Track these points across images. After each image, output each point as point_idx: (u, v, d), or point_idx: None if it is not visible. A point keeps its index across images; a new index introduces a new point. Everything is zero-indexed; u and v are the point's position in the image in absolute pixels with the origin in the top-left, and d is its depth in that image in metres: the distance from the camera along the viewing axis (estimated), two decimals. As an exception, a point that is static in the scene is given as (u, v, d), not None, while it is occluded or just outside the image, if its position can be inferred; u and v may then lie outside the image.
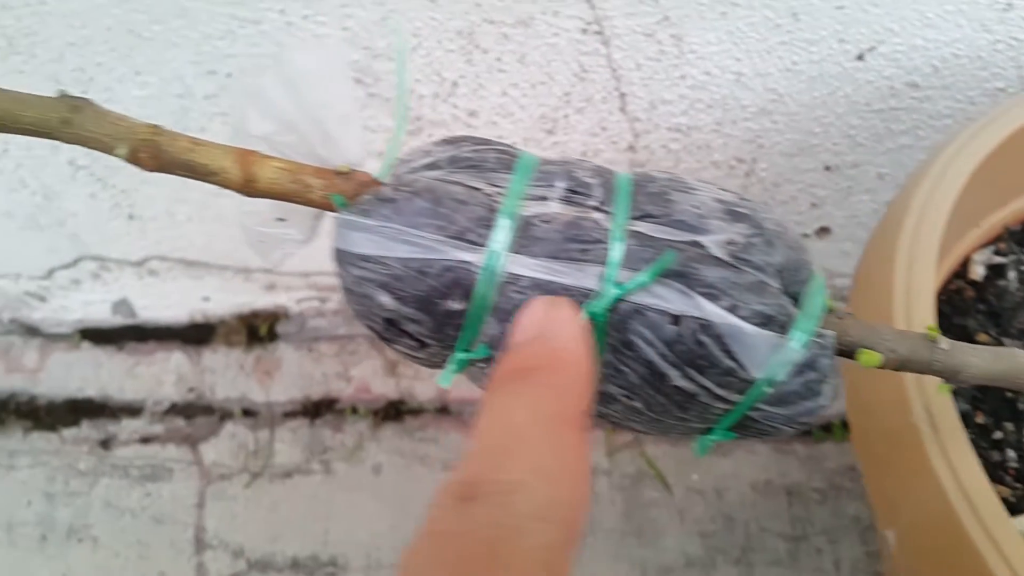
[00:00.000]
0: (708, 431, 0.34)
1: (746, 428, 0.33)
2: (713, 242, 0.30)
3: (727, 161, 0.73)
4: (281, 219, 0.34)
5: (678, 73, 0.66)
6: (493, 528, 0.20)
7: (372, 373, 0.95)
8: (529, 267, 0.30)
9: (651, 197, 0.31)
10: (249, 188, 0.31)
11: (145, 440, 0.91)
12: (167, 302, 0.93)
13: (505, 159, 0.32)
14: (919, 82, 0.67)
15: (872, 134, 0.71)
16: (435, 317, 0.31)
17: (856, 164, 0.74)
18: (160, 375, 0.95)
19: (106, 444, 0.91)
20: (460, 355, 0.32)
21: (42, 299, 0.95)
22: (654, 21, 0.63)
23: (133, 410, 0.93)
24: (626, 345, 0.30)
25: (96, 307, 0.94)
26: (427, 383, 0.93)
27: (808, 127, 0.70)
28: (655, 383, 0.30)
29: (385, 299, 0.31)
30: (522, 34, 0.65)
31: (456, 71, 0.68)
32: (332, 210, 0.32)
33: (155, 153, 0.30)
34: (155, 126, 0.31)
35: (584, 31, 0.64)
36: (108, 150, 0.30)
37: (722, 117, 0.69)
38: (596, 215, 0.31)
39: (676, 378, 0.30)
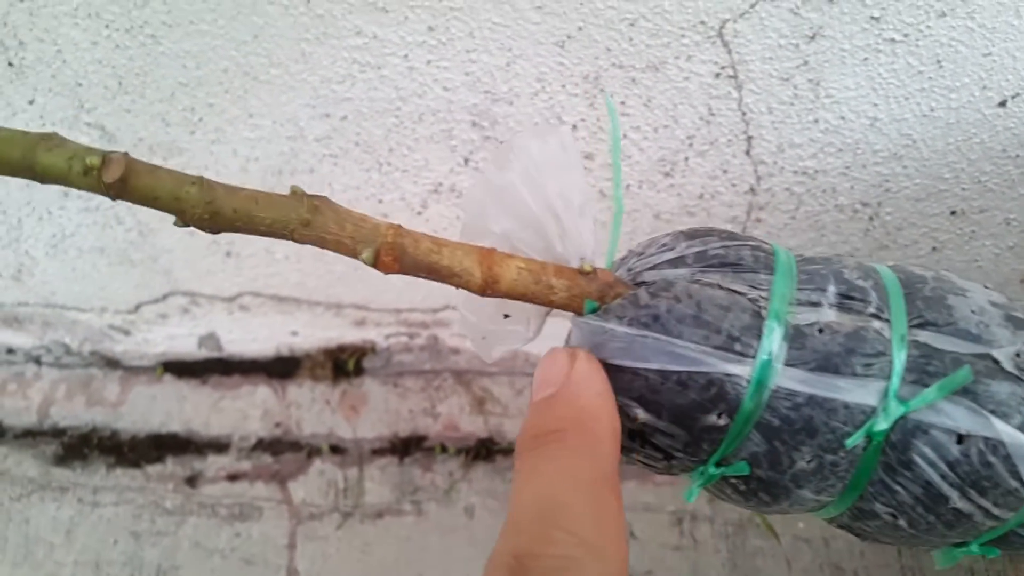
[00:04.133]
0: (962, 544, 0.31)
1: (1008, 543, 0.31)
2: (1005, 355, 0.28)
3: (851, 205, 0.71)
4: (507, 315, 0.32)
5: (811, 117, 0.64)
6: None
7: (459, 410, 0.93)
8: (804, 382, 0.28)
9: (928, 302, 0.29)
10: (490, 288, 0.29)
11: (232, 477, 0.90)
12: (254, 336, 0.92)
13: (761, 257, 0.30)
14: (1059, 127, 0.65)
15: (1004, 180, 0.69)
16: (691, 431, 0.29)
17: (983, 209, 0.71)
18: (246, 409, 0.94)
19: (192, 481, 0.90)
20: (712, 470, 0.30)
21: (126, 333, 0.94)
22: (793, 66, 0.61)
23: (219, 446, 0.92)
24: (904, 464, 0.28)
25: (181, 340, 0.93)
26: (516, 421, 0.92)
27: (938, 172, 0.68)
28: (930, 504, 0.28)
29: (638, 412, 0.29)
30: (651, 78, 0.63)
31: (576, 115, 0.66)
32: (574, 312, 0.30)
33: (399, 256, 0.28)
34: (397, 226, 0.29)
35: (717, 75, 0.62)
36: (351, 253, 0.28)
37: (852, 161, 0.67)
38: (876, 324, 0.28)
39: (956, 500, 0.28)
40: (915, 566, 0.79)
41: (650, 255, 0.31)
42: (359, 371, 0.94)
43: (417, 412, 0.93)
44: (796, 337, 0.28)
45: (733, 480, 0.30)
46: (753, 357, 0.28)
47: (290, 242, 0.29)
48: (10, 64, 0.69)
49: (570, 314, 0.31)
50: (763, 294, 0.29)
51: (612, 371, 0.28)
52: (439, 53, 0.64)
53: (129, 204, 0.79)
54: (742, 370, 0.28)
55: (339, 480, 0.89)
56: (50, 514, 0.90)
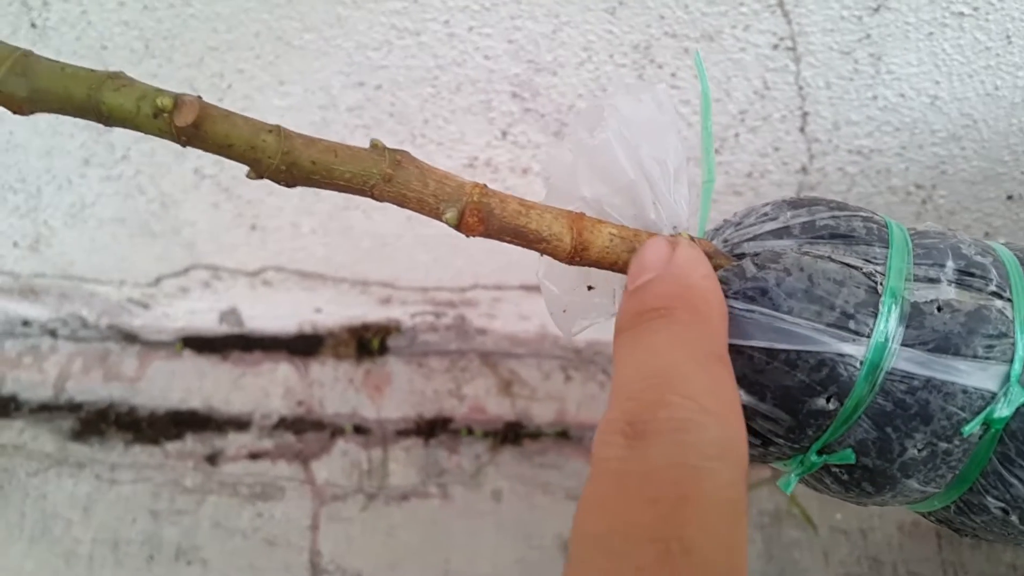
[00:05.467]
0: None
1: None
2: None
3: (905, 187, 0.68)
4: (591, 287, 0.29)
5: (870, 94, 0.61)
6: (674, 468, 0.20)
7: (485, 392, 0.91)
8: (921, 364, 0.25)
9: (1056, 281, 0.27)
10: (579, 256, 0.27)
11: (254, 456, 0.88)
12: (277, 312, 0.90)
13: (874, 228, 0.27)
14: None
15: (1066, 163, 0.66)
16: (796, 416, 0.26)
17: (1041, 193, 0.68)
18: (267, 387, 0.92)
19: (213, 459, 0.88)
20: (814, 458, 0.27)
21: (145, 306, 0.92)
22: (855, 39, 0.58)
23: (240, 423, 0.90)
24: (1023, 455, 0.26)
25: (202, 316, 0.91)
26: (544, 404, 0.90)
27: (998, 155, 0.65)
28: (1053, 500, 0.26)
29: (739, 394, 0.26)
30: (705, 48, 0.60)
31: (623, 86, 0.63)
32: (670, 284, 0.27)
33: (484, 217, 0.26)
34: (482, 186, 0.26)
35: (775, 47, 0.59)
36: (433, 213, 0.26)
37: (908, 141, 0.64)
38: (998, 303, 0.26)
39: (1082, 493, 0.26)
40: (956, 560, 0.77)
41: (749, 225, 0.29)
42: (383, 350, 0.92)
43: (442, 393, 0.91)
44: (914, 315, 0.26)
45: (835, 469, 0.28)
46: (868, 336, 0.25)
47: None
48: (33, 25, 0.67)
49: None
50: (879, 268, 0.26)
51: (712, 349, 0.26)
52: (482, 19, 0.61)
53: (151, 174, 0.76)
54: (856, 350, 0.25)
55: (363, 461, 0.87)
56: (67, 490, 0.88)
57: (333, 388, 0.91)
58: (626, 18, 0.59)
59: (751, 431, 0.27)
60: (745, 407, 0.26)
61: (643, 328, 0.24)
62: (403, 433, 0.89)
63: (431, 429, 0.88)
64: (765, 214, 0.29)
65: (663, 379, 0.22)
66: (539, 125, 0.68)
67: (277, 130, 0.26)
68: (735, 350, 0.26)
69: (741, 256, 0.28)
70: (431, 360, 0.93)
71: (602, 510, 0.20)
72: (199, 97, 0.26)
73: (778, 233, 0.28)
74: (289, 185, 0.27)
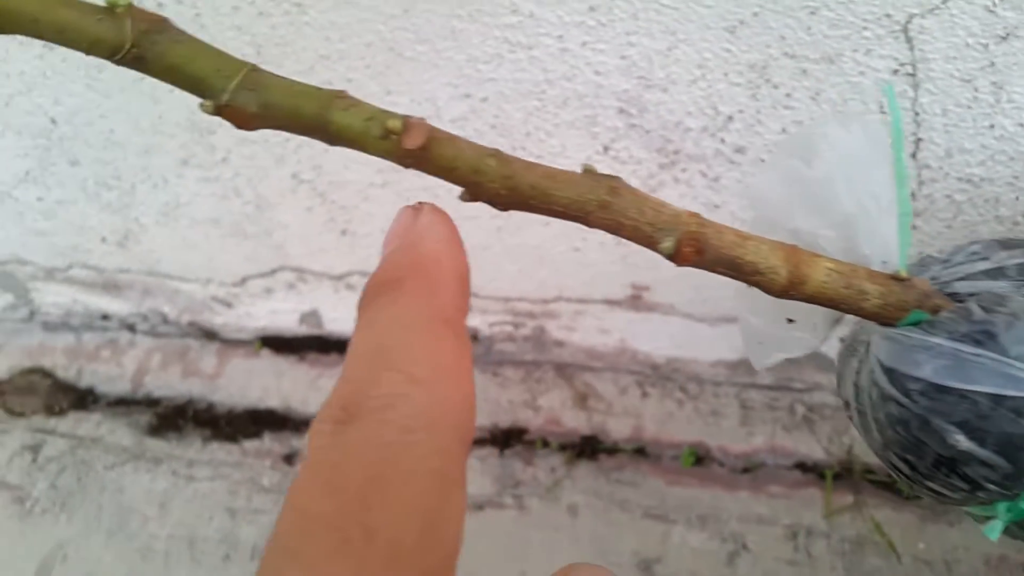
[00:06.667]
0: None
1: None
2: None
3: (1012, 217, 0.67)
4: (791, 320, 0.29)
5: (987, 122, 0.60)
6: (376, 449, 0.19)
7: (560, 404, 0.91)
8: None
9: None
10: (794, 291, 0.27)
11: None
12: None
13: (1095, 273, 0.27)
14: None
15: None
16: (1017, 463, 0.26)
17: None
18: (343, 391, 0.92)
19: (290, 459, 0.89)
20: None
21: (228, 305, 0.93)
22: (977, 67, 0.57)
23: (316, 426, 0.90)
24: None
25: (283, 316, 0.92)
26: (620, 419, 0.89)
27: (1114, 186, 0.64)
28: None
29: (958, 438, 0.26)
30: (823, 71, 0.60)
31: (735, 105, 0.63)
32: (884, 322, 0.27)
33: (701, 247, 0.26)
34: (697, 215, 0.26)
35: (895, 72, 0.59)
36: (648, 242, 0.26)
37: (1022, 171, 0.63)
38: None
39: None
40: (1041, 597, 0.76)
41: (958, 263, 0.28)
42: (459, 358, 0.92)
43: (517, 403, 0.91)
44: None
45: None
46: (1101, 385, 0.25)
47: (579, 223, 0.27)
48: (147, 27, 0.68)
49: (866, 321, 0.28)
50: (1107, 315, 0.26)
51: (933, 391, 0.26)
52: (596, 35, 0.61)
53: (250, 176, 0.77)
54: (1087, 400, 0.25)
55: (437, 468, 0.87)
56: (144, 485, 0.89)
57: (408, 394, 0.92)
58: (746, 37, 0.59)
59: (962, 476, 0.27)
60: (963, 452, 0.26)
61: (373, 305, 0.22)
62: (478, 442, 0.89)
63: (506, 439, 0.88)
64: (975, 253, 0.28)
65: (380, 356, 0.21)
66: (643, 141, 0.68)
67: (498, 154, 0.27)
68: (959, 394, 0.25)
69: (952, 295, 0.28)
70: (506, 369, 0.93)
71: (288, 507, 0.19)
72: (423, 119, 0.26)
73: (992, 274, 0.27)
74: (504, 208, 0.27)
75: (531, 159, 0.72)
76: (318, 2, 0.63)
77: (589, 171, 0.27)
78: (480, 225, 0.78)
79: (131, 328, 0.99)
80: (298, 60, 0.67)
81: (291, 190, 0.76)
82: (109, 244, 0.89)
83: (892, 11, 0.55)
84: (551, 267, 0.81)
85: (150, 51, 0.25)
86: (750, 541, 0.79)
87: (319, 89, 0.26)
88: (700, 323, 0.84)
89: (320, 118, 0.26)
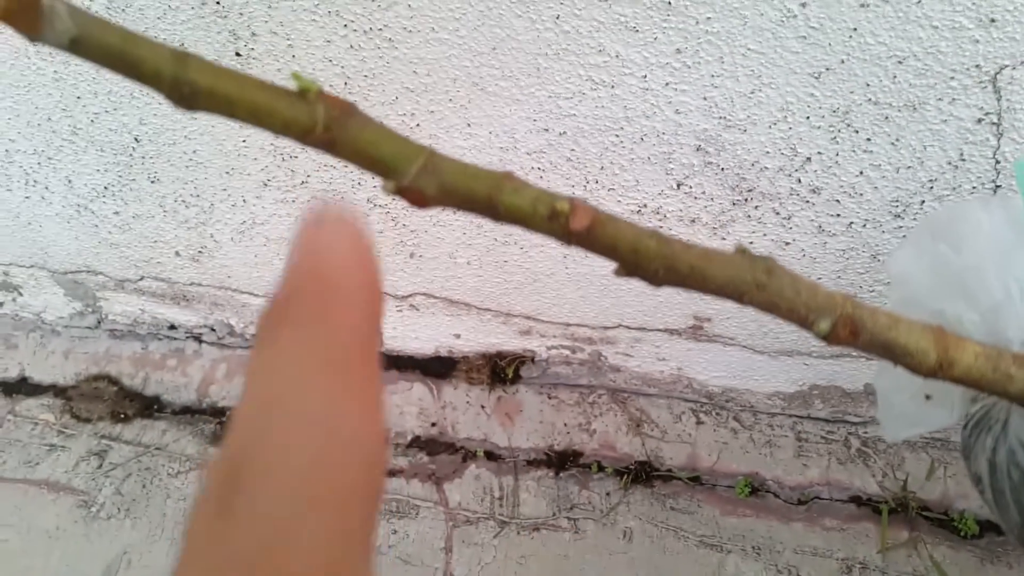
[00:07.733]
0: None
1: None
2: None
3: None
4: (928, 396, 0.30)
5: (1069, 172, 0.61)
6: (258, 540, 0.16)
7: (615, 429, 0.92)
8: None
9: None
10: (941, 372, 0.28)
11: (390, 473, 0.90)
12: (417, 335, 0.92)
13: None
14: None
15: None
16: None
17: None
18: (403, 405, 0.94)
19: (349, 474, 0.91)
20: None
21: (291, 320, 0.95)
22: (1064, 118, 0.58)
23: (375, 442, 0.92)
24: None
25: (345, 334, 0.94)
26: (674, 447, 0.90)
27: None
28: None
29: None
30: (905, 117, 0.60)
31: (814, 147, 0.64)
32: None
33: (856, 330, 0.27)
34: (852, 298, 0.27)
35: (979, 120, 0.59)
36: (803, 322, 0.27)
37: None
38: None
39: None
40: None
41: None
42: (516, 379, 0.94)
43: (572, 427, 0.92)
44: None
45: None
46: None
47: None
48: (237, 54, 0.70)
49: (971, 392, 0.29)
50: None
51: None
52: (680, 76, 0.62)
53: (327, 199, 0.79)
54: None
55: (495, 487, 0.88)
56: (208, 492, 0.92)
57: (465, 412, 0.93)
58: (830, 83, 0.59)
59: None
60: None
61: (264, 336, 0.19)
62: (533, 463, 0.90)
63: (562, 462, 0.90)
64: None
65: (269, 400, 0.18)
66: (717, 179, 0.69)
67: (656, 235, 0.28)
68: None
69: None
70: (560, 392, 0.94)
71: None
72: (585, 201, 0.28)
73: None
74: (657, 284, 0.28)
75: (604, 192, 0.73)
76: (409, 38, 0.64)
77: (743, 251, 0.28)
78: (547, 253, 0.80)
79: (197, 339, 1.02)
80: (383, 92, 0.69)
81: (365, 213, 0.78)
82: (183, 258, 0.92)
83: (983, 62, 0.56)
84: (614, 296, 0.82)
85: (340, 135, 0.26)
86: (803, 572, 0.79)
87: (488, 172, 0.27)
88: (760, 355, 0.84)
89: (491, 199, 0.27)
